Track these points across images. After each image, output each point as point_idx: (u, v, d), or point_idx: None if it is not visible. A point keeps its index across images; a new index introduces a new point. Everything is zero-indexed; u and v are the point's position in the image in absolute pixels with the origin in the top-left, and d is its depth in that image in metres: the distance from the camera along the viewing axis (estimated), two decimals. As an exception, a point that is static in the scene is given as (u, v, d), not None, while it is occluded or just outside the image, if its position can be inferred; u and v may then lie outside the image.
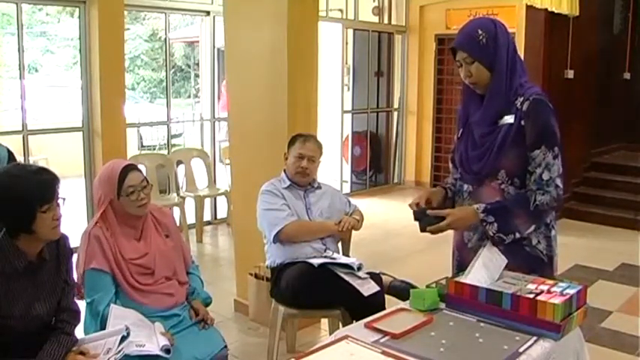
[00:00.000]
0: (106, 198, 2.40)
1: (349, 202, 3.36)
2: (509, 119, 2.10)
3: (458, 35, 2.17)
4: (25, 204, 1.94)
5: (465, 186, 2.24)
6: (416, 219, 2.16)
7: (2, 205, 1.96)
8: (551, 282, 2.00)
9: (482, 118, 2.15)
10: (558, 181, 2.08)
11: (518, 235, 2.10)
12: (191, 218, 6.07)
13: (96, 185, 2.46)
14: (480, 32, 2.09)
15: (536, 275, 2.10)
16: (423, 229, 2.15)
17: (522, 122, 2.08)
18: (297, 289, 2.92)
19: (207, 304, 2.60)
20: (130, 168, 2.45)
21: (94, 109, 5.34)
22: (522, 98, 2.09)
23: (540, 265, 2.17)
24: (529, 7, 6.18)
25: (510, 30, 2.24)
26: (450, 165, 2.40)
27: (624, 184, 7.01)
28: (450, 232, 2.34)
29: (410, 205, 2.19)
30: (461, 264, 2.26)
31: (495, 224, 2.08)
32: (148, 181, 2.48)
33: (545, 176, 2.07)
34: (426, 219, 2.11)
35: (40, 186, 1.97)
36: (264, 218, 3.11)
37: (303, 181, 3.18)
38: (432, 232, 2.12)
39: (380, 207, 7.49)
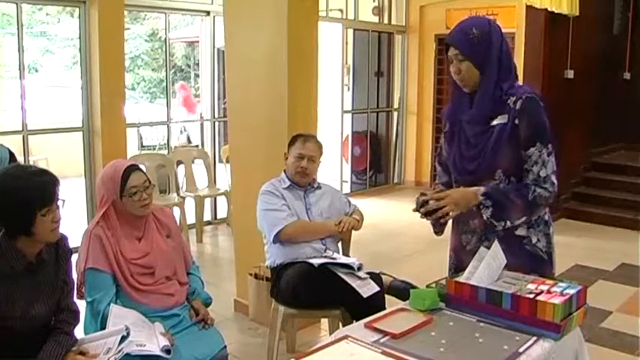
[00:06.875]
0: (108, 198, 2.41)
1: (349, 202, 3.36)
2: (502, 119, 2.08)
3: (452, 30, 2.14)
4: (24, 207, 1.93)
5: (461, 188, 2.19)
6: (417, 206, 2.09)
7: (2, 207, 1.95)
8: (551, 282, 2.01)
9: (473, 118, 2.13)
10: (553, 178, 2.08)
11: (508, 224, 2.07)
12: (191, 218, 6.08)
13: (98, 185, 2.46)
14: (473, 31, 2.06)
15: (537, 273, 2.10)
16: (421, 212, 2.06)
17: (516, 121, 2.06)
18: (297, 289, 2.92)
19: (207, 305, 2.60)
20: (133, 168, 2.45)
21: (94, 109, 5.34)
22: (515, 97, 2.07)
23: (541, 263, 2.17)
24: (529, 7, 6.17)
25: (510, 30, 2.23)
26: (439, 168, 2.36)
27: (624, 184, 7.00)
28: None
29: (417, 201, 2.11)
30: (458, 267, 2.26)
31: (490, 209, 2.06)
32: (150, 182, 2.48)
33: (542, 173, 2.06)
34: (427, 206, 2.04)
35: (40, 189, 1.96)
36: (264, 219, 3.11)
37: (303, 181, 3.18)
38: (429, 214, 2.05)
39: (380, 207, 7.49)
